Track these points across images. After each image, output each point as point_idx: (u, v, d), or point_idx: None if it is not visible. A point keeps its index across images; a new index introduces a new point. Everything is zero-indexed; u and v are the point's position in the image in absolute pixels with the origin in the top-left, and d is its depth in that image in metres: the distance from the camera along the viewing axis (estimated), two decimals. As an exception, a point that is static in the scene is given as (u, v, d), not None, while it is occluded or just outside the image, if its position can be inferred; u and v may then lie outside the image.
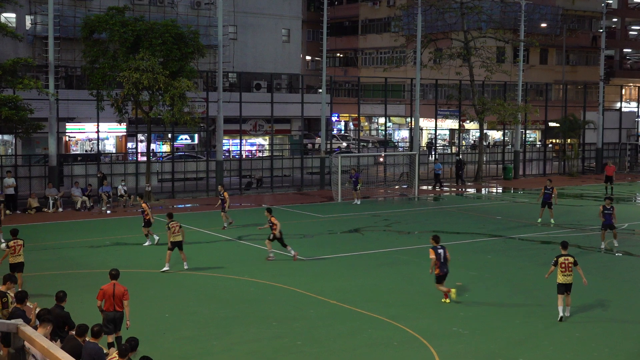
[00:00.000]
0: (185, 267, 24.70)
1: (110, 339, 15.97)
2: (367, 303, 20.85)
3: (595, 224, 33.68)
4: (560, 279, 19.39)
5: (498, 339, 18.12)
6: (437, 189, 43.80)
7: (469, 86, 54.07)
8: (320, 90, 51.65)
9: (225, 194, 32.40)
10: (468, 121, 57.17)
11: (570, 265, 19.36)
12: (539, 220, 34.81)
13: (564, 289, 19.37)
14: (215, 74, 45.27)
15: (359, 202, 40.84)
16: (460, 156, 52.13)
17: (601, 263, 26.61)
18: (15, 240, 21.13)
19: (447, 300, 20.89)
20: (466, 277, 24.19)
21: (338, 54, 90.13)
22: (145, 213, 28.85)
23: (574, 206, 40.59)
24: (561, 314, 19.25)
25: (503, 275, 24.52)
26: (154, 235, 29.27)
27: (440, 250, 20.83)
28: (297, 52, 61.27)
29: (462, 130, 60.74)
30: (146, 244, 28.88)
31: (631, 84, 78.72)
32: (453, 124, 64.86)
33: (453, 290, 21.04)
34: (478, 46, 53.61)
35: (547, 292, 21.66)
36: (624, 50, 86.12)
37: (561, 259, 19.45)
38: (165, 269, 24.27)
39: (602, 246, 28.98)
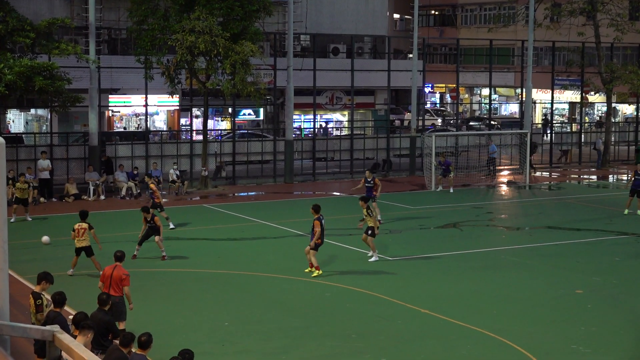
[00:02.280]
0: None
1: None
2: (466, 313, 20.74)
3: None
4: None
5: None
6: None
7: (593, 50, 53.03)
8: (410, 56, 51.44)
9: (377, 180, 32.97)
10: (592, 93, 56.10)
11: None
12: (626, 211, 34.76)
13: None
14: (284, 36, 45.54)
15: (451, 191, 40.64)
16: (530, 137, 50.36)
17: None
18: (80, 224, 23.71)
19: (309, 270, 24.29)
20: (588, 284, 23.82)
21: (432, 11, 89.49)
22: (155, 195, 30.35)
23: None
24: None
25: (634, 283, 24.05)
26: (169, 223, 30.83)
27: (324, 221, 24.63)
28: (382, 9, 61.10)
29: (585, 104, 59.68)
30: (170, 226, 30.65)
31: None
32: (574, 96, 63.75)
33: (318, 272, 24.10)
34: (606, 0, 52.49)
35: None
36: None
37: None
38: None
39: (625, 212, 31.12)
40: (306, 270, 24.58)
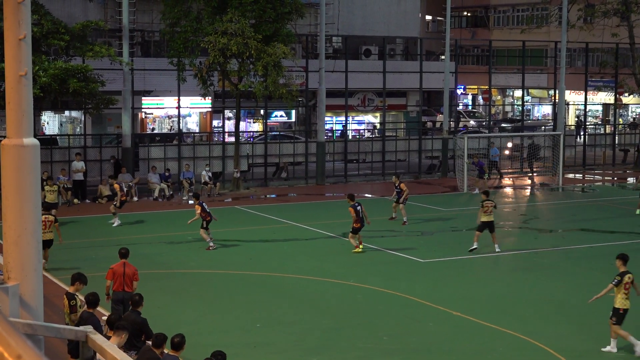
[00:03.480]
0: None
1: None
2: (498, 316, 20.66)
3: None
4: (623, 302, 18.07)
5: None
6: (487, 178, 41.77)
7: (628, 51, 52.63)
8: (442, 57, 51.31)
9: (402, 185, 33.13)
10: (626, 94, 55.71)
11: (629, 285, 18.17)
12: (638, 211, 34.87)
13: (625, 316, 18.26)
14: (316, 38, 45.62)
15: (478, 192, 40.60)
16: (534, 139, 49.73)
17: None
18: (45, 215, 23.55)
19: (358, 250, 26.96)
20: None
21: (465, 13, 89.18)
22: (122, 194, 31.56)
23: None
24: (614, 349, 18.20)
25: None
26: (117, 220, 31.72)
27: (359, 207, 26.96)
28: (414, 10, 61.02)
29: (618, 105, 59.26)
30: (115, 224, 31.65)
31: None
32: (607, 97, 63.29)
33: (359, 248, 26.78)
34: (640, 1, 52.11)
35: None
36: None
37: (626, 279, 18.13)
38: None
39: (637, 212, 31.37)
40: (353, 251, 27.24)
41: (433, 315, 20.81)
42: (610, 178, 47.82)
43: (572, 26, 50.72)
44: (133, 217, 33.94)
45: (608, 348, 18.27)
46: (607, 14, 52.60)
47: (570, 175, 47.65)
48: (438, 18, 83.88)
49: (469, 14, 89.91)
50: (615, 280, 18.20)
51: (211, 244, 27.65)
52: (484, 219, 27.44)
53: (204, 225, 27.78)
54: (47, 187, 32.26)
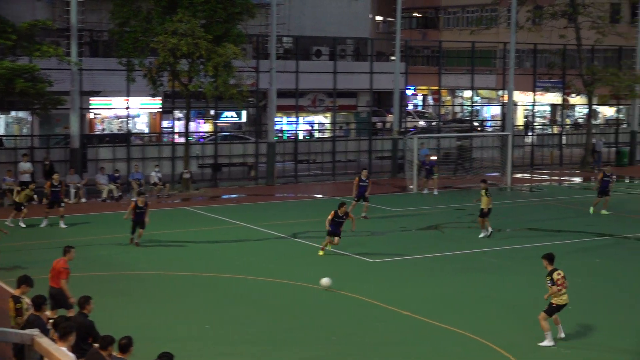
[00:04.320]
0: None
1: (50, 314, 17.53)
2: (447, 315, 20.80)
3: None
4: (558, 299, 18.60)
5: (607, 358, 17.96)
6: (437, 177, 42.27)
7: (575, 52, 53.24)
8: (393, 58, 51.51)
9: (369, 180, 34.01)
10: (574, 95, 56.31)
11: (564, 280, 18.66)
12: (591, 209, 35.42)
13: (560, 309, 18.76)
14: (267, 38, 45.52)
15: (436, 193, 40.82)
16: (461, 141, 49.99)
17: None
18: None
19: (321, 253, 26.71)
20: (569, 285, 23.90)
21: (415, 14, 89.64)
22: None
23: None
24: (550, 341, 18.65)
25: (614, 283, 24.19)
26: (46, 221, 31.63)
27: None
28: (365, 11, 61.17)
29: (566, 105, 59.94)
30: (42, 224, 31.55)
31: None
32: (555, 98, 64.00)
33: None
34: (587, 2, 52.73)
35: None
36: None
37: (555, 275, 18.64)
38: None
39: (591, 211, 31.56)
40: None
41: (382, 316, 20.89)
42: (558, 178, 48.33)
43: (520, 28, 51.13)
44: (81, 218, 33.64)
45: (545, 343, 18.59)
46: (555, 16, 53.14)
47: (519, 175, 48.08)
48: (389, 19, 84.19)
49: (419, 15, 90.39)
50: (550, 282, 18.57)
51: (136, 240, 28.04)
52: (483, 205, 29.99)
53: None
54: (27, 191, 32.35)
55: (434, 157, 43.34)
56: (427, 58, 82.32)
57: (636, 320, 20.68)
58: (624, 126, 58.05)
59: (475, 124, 64.55)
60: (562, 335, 18.91)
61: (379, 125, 60.11)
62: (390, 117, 56.35)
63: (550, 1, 55.68)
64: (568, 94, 57.38)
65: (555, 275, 18.57)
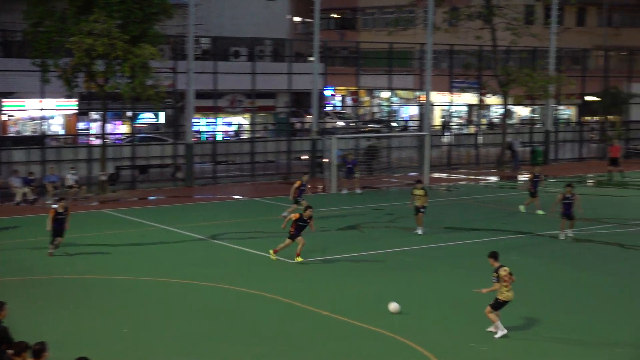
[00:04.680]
0: None
1: None
2: (367, 315, 20.89)
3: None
4: (505, 295, 19.10)
5: (524, 356, 18.20)
6: (358, 177, 42.87)
7: (490, 53, 54.03)
8: (311, 59, 51.62)
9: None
10: (489, 95, 57.15)
11: (510, 277, 19.11)
12: (522, 208, 35.94)
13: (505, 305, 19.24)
14: (184, 39, 45.18)
15: (359, 192, 41.04)
16: (372, 141, 50.11)
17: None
18: None
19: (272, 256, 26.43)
20: (486, 282, 24.23)
21: (333, 15, 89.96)
22: None
23: (615, 197, 40.73)
24: (502, 330, 19.19)
25: (531, 280, 24.55)
26: None
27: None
28: (283, 12, 61.23)
29: (482, 105, 60.79)
30: None
31: (686, 50, 78.77)
32: (471, 98, 64.88)
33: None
34: (502, 4, 53.54)
35: (581, 299, 21.81)
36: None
37: (501, 271, 19.15)
38: None
39: (562, 237, 30.39)
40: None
41: (303, 316, 20.90)
42: (474, 177, 48.94)
43: (437, 29, 51.61)
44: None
45: (499, 334, 19.03)
46: (470, 17, 53.81)
47: (436, 175, 48.59)
48: (307, 20, 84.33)
49: (337, 16, 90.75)
50: (496, 278, 19.05)
51: (50, 250, 27.06)
52: (418, 203, 30.98)
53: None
54: None
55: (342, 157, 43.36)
56: (346, 59, 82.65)
57: (551, 315, 21.03)
58: (539, 126, 59.14)
59: (394, 124, 65.09)
60: (491, 329, 19.29)
61: (298, 125, 60.16)
62: (309, 118, 56.45)
63: (466, 3, 56.41)
64: (484, 94, 58.24)
65: (501, 272, 19.02)
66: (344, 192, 41.28)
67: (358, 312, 21.13)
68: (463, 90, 60.13)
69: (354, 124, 60.74)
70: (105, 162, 40.79)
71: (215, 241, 29.73)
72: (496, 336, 19.08)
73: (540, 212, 35.24)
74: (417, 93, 62.97)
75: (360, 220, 33.90)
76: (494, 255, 19.61)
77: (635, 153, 59.13)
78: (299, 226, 26.48)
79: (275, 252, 26.78)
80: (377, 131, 59.22)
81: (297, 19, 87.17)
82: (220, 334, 19.50)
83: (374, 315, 20.82)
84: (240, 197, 40.58)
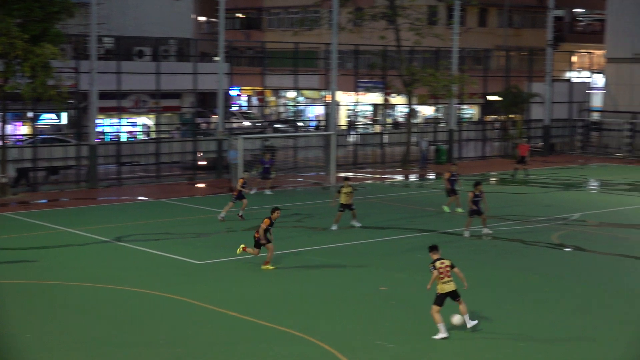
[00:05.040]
0: None
1: None
2: (275, 315, 20.91)
3: (541, 214, 34.73)
4: (440, 287, 19.49)
5: (430, 353, 18.43)
6: (274, 177, 43.09)
7: (395, 53, 54.57)
8: (216, 59, 51.38)
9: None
10: (394, 95, 57.72)
11: (447, 269, 19.66)
12: (446, 208, 36.18)
13: (446, 297, 19.52)
14: (87, 38, 44.49)
15: (269, 192, 40.98)
16: (269, 141, 49.80)
17: (549, 260, 27.34)
18: None
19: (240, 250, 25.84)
20: (393, 280, 24.51)
21: (238, 15, 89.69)
22: None
23: (518, 194, 41.53)
24: (444, 334, 19.25)
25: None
26: None
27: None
28: (188, 12, 60.73)
29: (386, 105, 61.37)
30: None
31: (582, 50, 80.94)
32: (377, 98, 65.44)
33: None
34: (406, 5, 54.12)
35: (487, 295, 22.19)
36: (575, 10, 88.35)
37: (438, 264, 19.58)
38: None
39: (466, 235, 30.87)
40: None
41: (211, 318, 20.79)
42: (380, 176, 49.34)
43: (342, 29, 51.87)
44: None
45: (439, 335, 19.22)
46: (375, 18, 54.21)
47: (342, 174, 48.77)
48: (212, 19, 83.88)
49: (242, 16, 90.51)
50: (431, 267, 19.57)
51: None
52: (343, 201, 31.77)
53: None
54: None
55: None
56: (251, 59, 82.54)
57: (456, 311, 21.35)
58: (442, 125, 59.96)
59: (300, 123, 65.23)
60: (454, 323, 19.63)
61: (204, 126, 59.79)
62: (214, 118, 56.18)
63: (370, 3, 56.86)
64: (388, 94, 58.87)
65: (437, 264, 19.49)
66: (268, 192, 41.12)
67: (265, 312, 21.13)
68: (368, 90, 60.65)
69: (260, 124, 60.68)
70: (5, 164, 39.88)
71: (121, 243, 29.35)
72: (435, 337, 19.15)
73: (459, 209, 35.70)
74: (323, 93, 63.18)
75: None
76: (431, 249, 20.06)
77: (536, 151, 60.36)
78: (268, 230, 25.85)
79: (267, 264, 25.94)
80: (284, 131, 59.28)
81: (202, 18, 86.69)
82: (126, 338, 19.26)
83: (282, 315, 20.85)
84: (146, 198, 40.14)
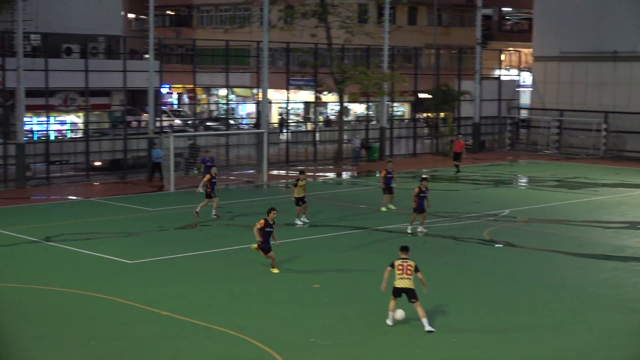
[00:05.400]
0: None
1: None
2: (208, 313, 20.81)
3: (472, 211, 35.12)
4: (396, 282, 19.87)
5: (364, 349, 18.50)
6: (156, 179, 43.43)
7: (326, 51, 54.67)
8: (146, 56, 50.89)
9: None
10: (325, 93, 57.79)
11: (409, 268, 19.89)
12: (383, 209, 36.10)
13: (399, 293, 19.91)
14: (13, 35, 43.72)
15: (201, 190, 40.66)
16: (193, 140, 48.97)
17: (481, 255, 27.66)
18: None
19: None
20: (326, 279, 24.55)
21: (168, 12, 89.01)
22: None
23: (449, 191, 41.92)
24: (389, 322, 19.92)
25: (368, 275, 24.95)
26: None
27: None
28: (117, 8, 60.00)
29: (318, 103, 61.41)
30: None
31: (511, 48, 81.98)
32: (308, 96, 65.47)
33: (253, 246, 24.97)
34: (336, 3, 54.25)
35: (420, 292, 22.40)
36: (503, 9, 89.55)
37: (398, 262, 19.96)
38: None
39: (409, 231, 31.30)
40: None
41: (142, 317, 20.59)
42: (313, 174, 49.41)
43: (273, 27, 51.81)
44: None
45: (388, 321, 20.00)
46: (305, 16, 54.27)
47: (275, 172, 48.81)
48: (141, 16, 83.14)
49: (172, 13, 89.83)
50: (390, 266, 20.09)
51: None
52: (298, 194, 32.27)
53: None
54: None
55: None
56: (182, 56, 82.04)
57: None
58: (374, 123, 60.22)
59: (232, 121, 64.93)
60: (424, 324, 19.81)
61: (134, 124, 59.17)
62: (145, 116, 55.63)
63: (300, 1, 56.84)
64: (320, 92, 58.85)
65: (397, 262, 19.92)
66: (201, 190, 40.72)
67: (198, 310, 21.02)
68: (300, 87, 60.48)
69: (191, 122, 60.20)
70: None
71: (50, 243, 28.92)
72: (387, 321, 19.94)
73: (391, 207, 35.89)
74: (255, 91, 62.92)
75: (199, 219, 33.63)
76: (401, 249, 20.34)
77: (465, 148, 60.80)
78: (267, 232, 24.65)
79: (274, 267, 25.18)
80: (216, 129, 58.95)
81: (131, 15, 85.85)
82: (55, 338, 18.99)
83: (215, 314, 20.77)
84: (75, 197, 39.60)
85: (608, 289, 23.85)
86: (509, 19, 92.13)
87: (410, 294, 19.79)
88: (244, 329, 19.43)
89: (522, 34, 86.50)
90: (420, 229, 31.34)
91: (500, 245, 29.47)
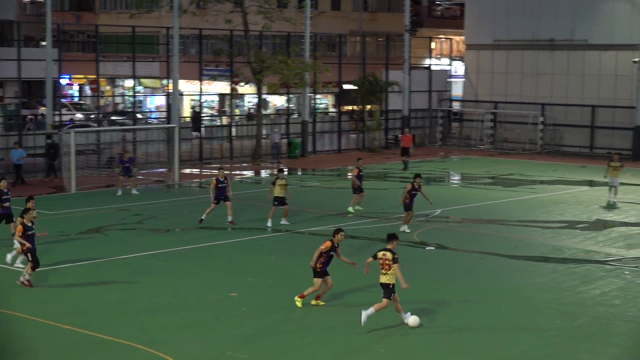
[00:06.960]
0: None
1: None
2: (114, 326, 20.60)
3: (402, 211, 35.38)
4: (381, 278, 20.49)
5: (284, 353, 18.58)
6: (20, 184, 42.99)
7: (242, 38, 54.52)
8: (43, 43, 50.18)
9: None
10: (242, 84, 57.71)
11: (387, 262, 20.26)
12: (350, 209, 36.20)
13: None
14: None
15: (135, 192, 40.30)
16: (52, 139, 46.90)
17: (412, 259, 27.88)
18: None
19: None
20: (243, 285, 24.50)
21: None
22: None
23: (377, 190, 42.16)
24: (363, 319, 20.31)
25: (290, 281, 24.98)
26: None
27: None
28: (10, -9, 59.19)
29: (234, 95, 61.27)
30: None
31: (442, 36, 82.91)
32: (223, 87, 65.22)
33: None
34: (253, -14, 54.17)
35: (348, 296, 22.44)
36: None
37: (380, 253, 20.53)
38: None
39: (407, 230, 31.96)
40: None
41: (42, 332, 20.30)
42: (229, 172, 49.27)
43: (184, 12, 51.39)
44: None
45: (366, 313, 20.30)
46: (220, 0, 54.00)
47: (187, 171, 48.54)
48: (38, 0, 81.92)
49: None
50: (372, 256, 20.85)
51: None
52: (278, 194, 32.46)
53: None
54: None
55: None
56: (83, 44, 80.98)
57: (323, 315, 21.52)
58: (295, 116, 60.29)
59: (139, 115, 64.38)
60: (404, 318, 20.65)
61: (30, 118, 58.34)
62: (43, 110, 54.89)
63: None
64: (236, 83, 58.66)
65: (379, 254, 20.45)
66: (134, 192, 40.34)
67: (103, 323, 20.79)
68: (214, 78, 60.16)
69: (94, 116, 59.52)
70: None
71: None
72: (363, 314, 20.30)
73: (359, 207, 35.99)
74: (164, 82, 62.47)
75: (104, 222, 33.31)
76: (388, 237, 20.92)
77: (394, 143, 61.33)
78: (329, 256, 22.32)
79: (302, 297, 22.50)
80: (122, 124, 58.42)
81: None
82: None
83: (121, 327, 20.57)
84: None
85: (546, 293, 24.27)
86: (439, 4, 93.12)
87: (384, 289, 20.38)
88: (156, 343, 19.26)
89: (453, 20, 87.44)
90: (404, 228, 31.76)
91: (432, 248, 29.77)
